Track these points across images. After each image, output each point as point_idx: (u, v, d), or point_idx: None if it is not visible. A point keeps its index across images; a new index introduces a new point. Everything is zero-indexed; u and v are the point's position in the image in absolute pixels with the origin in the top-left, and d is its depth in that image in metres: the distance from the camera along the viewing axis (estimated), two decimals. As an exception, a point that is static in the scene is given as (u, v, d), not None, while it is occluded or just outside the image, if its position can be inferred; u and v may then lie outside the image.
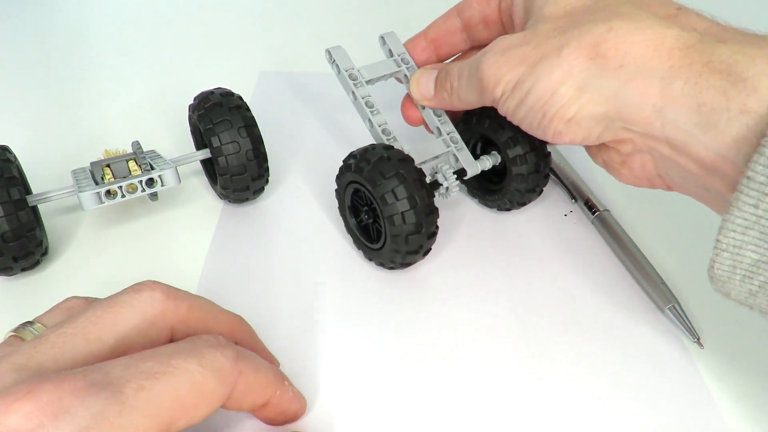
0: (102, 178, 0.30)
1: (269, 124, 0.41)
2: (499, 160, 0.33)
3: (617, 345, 0.28)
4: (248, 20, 0.57)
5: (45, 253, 0.31)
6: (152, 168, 0.31)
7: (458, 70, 0.29)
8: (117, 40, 0.53)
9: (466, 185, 0.36)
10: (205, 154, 0.33)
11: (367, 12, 0.60)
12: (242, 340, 0.24)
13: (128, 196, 0.30)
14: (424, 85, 0.32)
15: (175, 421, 0.18)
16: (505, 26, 0.31)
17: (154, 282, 0.21)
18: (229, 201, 0.34)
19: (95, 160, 0.32)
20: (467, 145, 0.34)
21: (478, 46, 0.33)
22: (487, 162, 0.32)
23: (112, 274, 0.31)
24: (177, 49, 0.52)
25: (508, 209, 0.35)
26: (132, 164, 0.31)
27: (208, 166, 0.36)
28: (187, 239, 0.33)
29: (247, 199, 0.34)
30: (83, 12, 0.57)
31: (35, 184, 0.33)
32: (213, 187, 0.36)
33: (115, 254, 0.32)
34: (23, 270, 0.29)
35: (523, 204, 0.34)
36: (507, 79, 0.26)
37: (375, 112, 0.32)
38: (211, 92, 0.33)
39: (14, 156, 0.30)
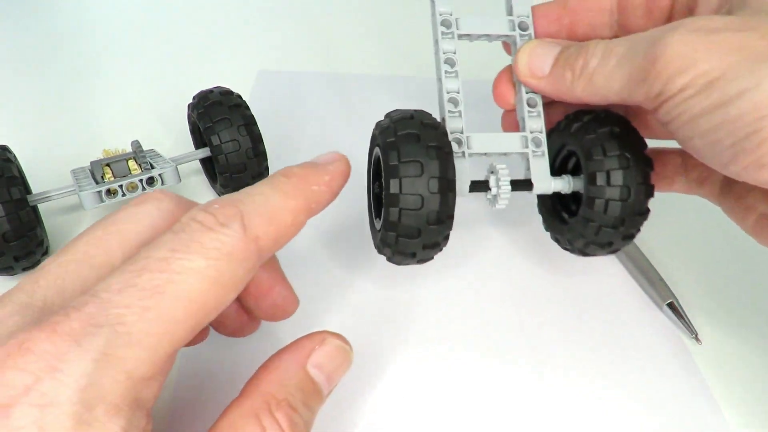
0: (102, 177, 0.30)
1: (268, 123, 0.41)
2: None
3: (616, 341, 0.29)
4: (247, 20, 0.57)
5: (46, 252, 0.31)
6: (152, 167, 0.31)
7: (605, 46, 0.22)
8: (116, 39, 0.53)
9: (540, 198, 0.29)
10: (205, 152, 0.33)
11: (367, 12, 0.60)
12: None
13: (128, 195, 0.30)
14: (538, 57, 0.25)
15: (200, 321, 0.16)
16: (676, 17, 0.25)
17: (162, 191, 0.19)
18: (229, 200, 0.34)
19: (95, 159, 0.32)
20: (553, 154, 0.27)
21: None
22: (567, 183, 0.25)
23: (112, 273, 0.31)
24: (176, 49, 0.52)
25: (570, 250, 0.26)
26: (132, 163, 0.31)
27: (208, 164, 0.36)
28: (187, 238, 0.33)
29: (246, 198, 0.34)
30: (83, 12, 0.57)
31: (35, 184, 0.33)
32: (213, 186, 0.36)
33: (116, 253, 0.32)
34: (24, 270, 0.30)
35: (598, 252, 0.25)
36: (702, 69, 0.18)
37: (450, 75, 0.26)
38: (211, 91, 0.33)
39: (14, 156, 0.30)
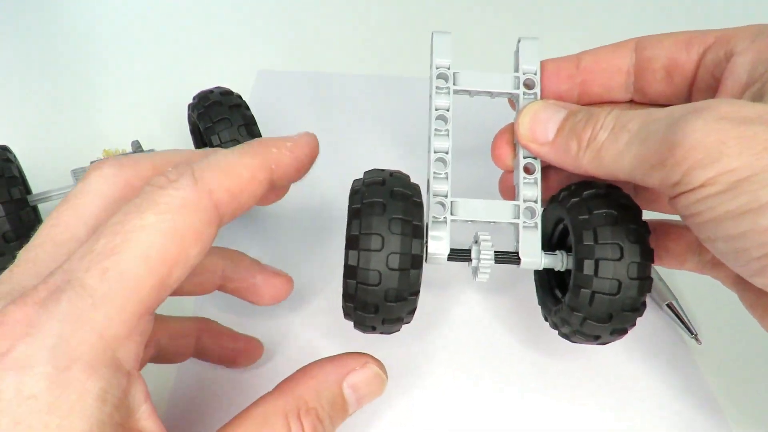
0: (102, 177, 0.30)
1: (268, 123, 0.41)
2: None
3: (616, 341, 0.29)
4: (247, 20, 0.57)
5: (46, 252, 0.31)
6: (152, 167, 0.31)
7: (617, 119, 0.20)
8: (117, 40, 0.53)
9: (537, 272, 0.26)
10: (205, 153, 0.33)
11: (368, 12, 0.60)
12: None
13: (128, 196, 0.30)
14: (542, 121, 0.23)
15: (164, 277, 0.16)
16: (698, 86, 0.23)
17: (101, 160, 0.19)
18: (229, 200, 0.35)
19: (95, 159, 0.32)
20: (550, 226, 0.25)
21: (640, 103, 0.25)
22: (559, 261, 0.23)
23: (112, 273, 0.31)
24: (176, 49, 0.52)
25: (558, 333, 0.24)
26: (132, 163, 0.31)
27: (208, 165, 0.36)
28: (187, 238, 0.33)
29: (246, 198, 0.34)
30: (83, 12, 0.57)
31: (35, 184, 0.33)
32: (213, 186, 0.36)
33: (116, 253, 0.32)
34: (24, 269, 0.30)
35: (585, 342, 0.23)
36: (729, 165, 0.16)
37: (441, 134, 0.24)
38: (210, 91, 0.33)
39: (14, 156, 0.30)
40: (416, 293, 0.21)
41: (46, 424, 0.14)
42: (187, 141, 0.38)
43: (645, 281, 0.21)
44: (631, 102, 0.26)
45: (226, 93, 0.33)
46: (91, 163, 0.31)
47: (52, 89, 0.46)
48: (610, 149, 0.20)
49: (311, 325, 0.29)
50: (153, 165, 0.19)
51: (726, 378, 0.27)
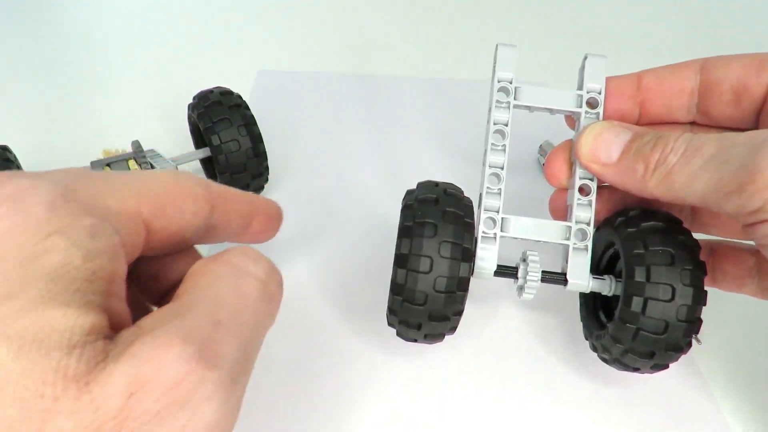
0: (102, 177, 0.30)
1: (268, 123, 0.41)
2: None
3: (616, 341, 0.29)
4: (247, 20, 0.57)
5: (46, 252, 0.31)
6: (152, 167, 0.31)
7: (689, 142, 0.20)
8: (117, 40, 0.53)
9: (583, 295, 0.26)
10: (205, 152, 0.33)
11: (368, 12, 0.60)
12: None
13: (128, 196, 0.30)
14: (605, 141, 0.22)
15: (163, 204, 0.16)
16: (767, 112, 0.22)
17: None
18: (229, 200, 0.35)
19: (95, 159, 0.32)
20: (600, 251, 0.24)
21: (702, 125, 0.25)
22: (608, 285, 0.23)
23: (112, 273, 0.31)
24: (176, 49, 0.52)
25: (607, 361, 0.23)
26: (132, 163, 0.31)
27: (208, 164, 0.36)
28: (187, 238, 0.33)
29: (246, 198, 0.34)
30: (83, 13, 0.57)
31: (35, 184, 0.33)
32: (213, 186, 0.36)
33: (116, 253, 0.32)
34: (24, 269, 0.30)
35: (638, 363, 0.22)
36: None
37: (497, 148, 0.24)
38: (210, 91, 0.33)
39: (14, 156, 0.30)
40: (460, 312, 0.21)
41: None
42: (187, 141, 0.38)
43: (693, 324, 0.20)
44: (693, 124, 0.25)
45: (226, 93, 0.33)
46: (91, 163, 0.31)
47: (52, 89, 0.46)
48: (681, 172, 0.19)
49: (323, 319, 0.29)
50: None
51: (726, 378, 0.27)
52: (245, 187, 0.33)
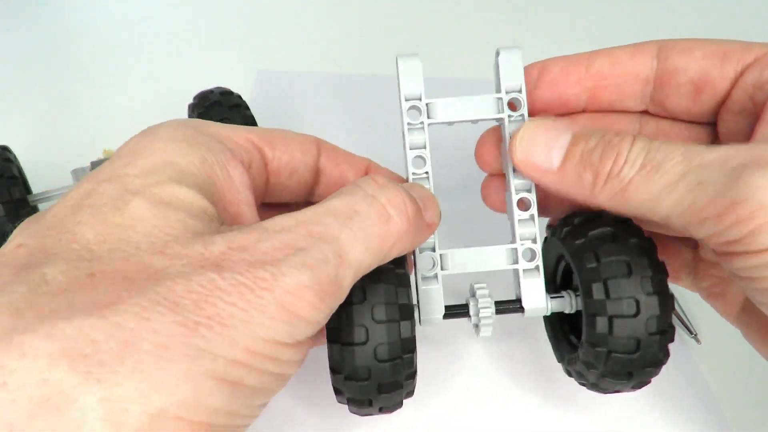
0: (102, 177, 0.30)
1: (267, 123, 0.41)
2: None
3: (616, 341, 0.29)
4: (247, 20, 0.57)
5: (46, 252, 0.31)
6: (152, 167, 0.31)
7: (646, 154, 0.18)
8: (117, 39, 0.53)
9: (548, 320, 0.24)
10: (205, 153, 0.33)
11: (368, 12, 0.60)
12: None
13: (128, 196, 0.30)
14: (542, 146, 0.19)
15: (272, 140, 0.22)
16: (730, 107, 0.20)
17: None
18: (229, 200, 0.35)
19: (95, 159, 0.32)
20: (552, 266, 0.23)
21: (654, 115, 0.23)
22: (568, 302, 0.21)
23: (112, 273, 0.31)
24: (176, 49, 0.52)
25: (586, 385, 0.21)
26: (132, 163, 0.31)
27: (208, 165, 0.36)
28: (187, 238, 0.33)
29: (246, 198, 0.34)
30: (83, 12, 0.57)
31: (35, 184, 0.33)
32: (213, 186, 0.36)
33: (116, 253, 0.32)
34: (24, 269, 0.30)
35: (618, 386, 0.20)
36: None
37: (419, 177, 0.22)
38: (210, 91, 0.33)
39: (14, 156, 0.30)
40: (413, 375, 0.19)
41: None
42: (187, 141, 0.38)
43: (666, 334, 0.19)
44: (644, 113, 0.23)
45: (226, 93, 0.33)
46: (91, 163, 0.31)
47: (53, 89, 0.46)
48: (640, 190, 0.17)
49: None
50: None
51: (726, 378, 0.27)
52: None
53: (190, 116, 0.34)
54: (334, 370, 0.18)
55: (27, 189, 0.32)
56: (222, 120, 0.31)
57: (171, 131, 0.19)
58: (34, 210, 0.30)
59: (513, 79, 0.22)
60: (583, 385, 0.21)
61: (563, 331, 0.23)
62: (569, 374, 0.22)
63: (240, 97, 0.33)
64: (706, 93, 0.21)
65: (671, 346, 0.29)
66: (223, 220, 0.18)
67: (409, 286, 0.19)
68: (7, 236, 0.27)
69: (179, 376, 0.13)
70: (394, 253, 0.18)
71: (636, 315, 0.18)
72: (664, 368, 0.27)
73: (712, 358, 0.28)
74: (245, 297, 0.14)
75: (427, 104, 0.22)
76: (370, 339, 0.18)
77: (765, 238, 0.15)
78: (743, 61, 0.20)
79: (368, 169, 0.24)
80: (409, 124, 0.22)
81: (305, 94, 0.46)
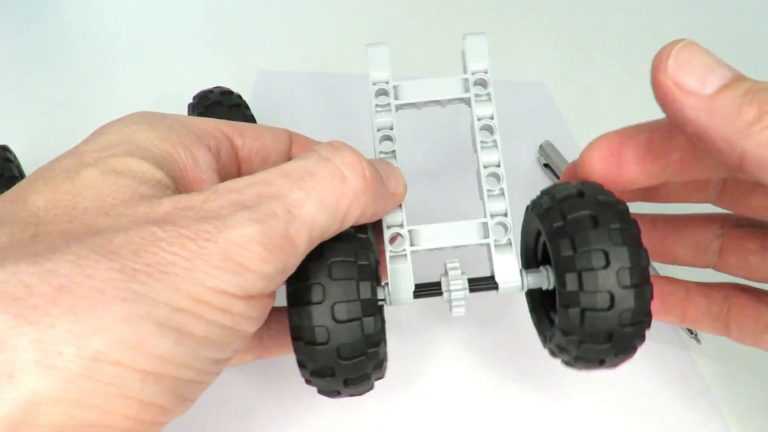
0: (102, 177, 0.30)
1: (268, 123, 0.41)
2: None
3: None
4: (247, 20, 0.57)
5: (46, 252, 0.31)
6: (152, 167, 0.31)
7: None
8: (117, 39, 0.53)
9: (529, 295, 0.23)
10: (205, 153, 0.33)
11: (368, 12, 0.60)
12: None
13: (128, 196, 0.30)
14: (699, 66, 0.16)
15: (241, 129, 0.22)
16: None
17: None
18: (229, 200, 0.35)
19: (95, 159, 0.32)
20: (530, 242, 0.22)
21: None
22: (545, 278, 0.20)
23: (112, 273, 0.31)
24: (176, 49, 0.52)
25: (567, 364, 0.20)
26: (132, 163, 0.31)
27: (208, 165, 0.36)
28: (187, 238, 0.33)
29: (246, 198, 0.34)
30: (83, 12, 0.57)
31: (35, 184, 0.33)
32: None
33: (116, 253, 0.32)
34: (24, 269, 0.30)
35: (591, 368, 0.20)
36: None
37: (387, 155, 0.22)
38: (211, 91, 0.33)
39: (14, 156, 0.30)
40: (377, 344, 0.18)
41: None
42: (187, 141, 0.38)
43: (642, 288, 0.17)
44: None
45: (226, 93, 0.33)
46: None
47: (53, 89, 0.46)
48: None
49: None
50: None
51: (726, 378, 0.27)
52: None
53: (189, 116, 0.34)
54: (295, 337, 0.18)
55: (27, 189, 0.32)
56: (222, 120, 0.31)
57: (136, 116, 0.19)
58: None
59: (479, 60, 0.22)
60: (567, 365, 0.20)
61: (545, 309, 0.22)
62: (552, 354, 0.21)
63: (240, 97, 0.33)
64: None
65: (670, 346, 0.29)
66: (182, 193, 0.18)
67: (369, 249, 0.19)
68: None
69: (116, 319, 0.13)
70: (353, 214, 0.18)
71: (610, 309, 0.17)
72: (664, 368, 0.27)
73: (712, 358, 0.28)
74: (187, 247, 0.14)
75: (394, 86, 0.23)
76: (331, 339, 0.17)
77: None
78: None
79: None
80: (377, 106, 0.22)
81: (305, 94, 0.46)
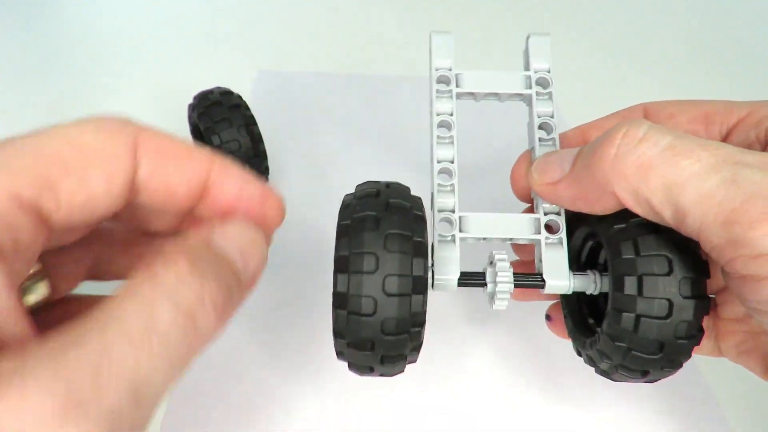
0: (102, 177, 0.30)
1: (268, 123, 0.41)
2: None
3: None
4: (247, 20, 0.57)
5: (46, 252, 0.31)
6: (152, 167, 0.31)
7: (676, 140, 0.16)
8: (117, 40, 0.53)
9: (565, 299, 0.23)
10: (205, 153, 0.33)
11: (368, 13, 0.60)
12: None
13: (128, 196, 0.30)
14: (553, 162, 0.19)
15: (55, 178, 0.14)
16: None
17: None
18: (229, 200, 0.35)
19: (95, 159, 0.32)
20: (578, 243, 0.22)
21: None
22: (592, 282, 0.20)
23: (112, 273, 0.31)
24: (176, 49, 0.52)
25: (595, 369, 0.20)
26: (132, 163, 0.31)
27: (208, 165, 0.36)
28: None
29: (246, 198, 0.34)
30: (83, 13, 0.57)
31: (35, 184, 0.33)
32: (213, 186, 0.36)
33: (116, 253, 0.32)
34: (24, 269, 0.30)
35: (629, 379, 0.19)
36: None
37: (444, 141, 0.22)
38: (211, 91, 0.33)
39: (14, 156, 0.30)
40: (421, 324, 0.18)
41: None
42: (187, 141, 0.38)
43: (702, 301, 0.17)
44: None
45: (226, 93, 0.33)
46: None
47: (53, 89, 0.46)
48: (663, 171, 0.16)
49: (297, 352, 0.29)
50: None
51: (726, 378, 0.27)
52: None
53: (190, 116, 0.34)
54: (337, 305, 0.17)
55: (27, 189, 0.32)
56: (222, 120, 0.31)
57: None
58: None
59: (543, 60, 0.22)
60: (604, 374, 0.20)
61: (582, 315, 0.22)
62: (589, 361, 0.21)
63: (240, 97, 0.33)
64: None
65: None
66: None
67: (425, 228, 0.18)
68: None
69: None
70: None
71: (667, 317, 0.17)
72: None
73: (712, 358, 0.28)
74: None
75: (456, 75, 0.22)
76: (379, 268, 0.17)
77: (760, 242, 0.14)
78: (727, 123, 0.20)
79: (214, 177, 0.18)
80: (437, 92, 0.22)
81: (305, 94, 0.46)
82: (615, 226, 0.18)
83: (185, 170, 0.16)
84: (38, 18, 0.56)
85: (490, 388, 0.27)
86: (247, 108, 0.32)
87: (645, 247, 0.17)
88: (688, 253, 0.17)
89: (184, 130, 0.39)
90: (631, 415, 0.26)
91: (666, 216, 0.16)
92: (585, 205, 0.18)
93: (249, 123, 0.32)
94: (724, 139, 0.20)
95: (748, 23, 0.58)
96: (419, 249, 0.17)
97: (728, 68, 0.52)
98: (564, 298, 0.23)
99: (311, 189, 0.37)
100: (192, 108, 0.33)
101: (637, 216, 0.17)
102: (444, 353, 0.28)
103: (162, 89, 0.46)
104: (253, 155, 0.32)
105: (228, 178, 0.18)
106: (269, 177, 0.35)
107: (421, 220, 0.18)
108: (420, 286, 0.17)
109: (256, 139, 0.32)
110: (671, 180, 0.15)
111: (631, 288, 0.17)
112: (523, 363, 0.28)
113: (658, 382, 0.26)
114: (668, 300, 0.17)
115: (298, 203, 0.36)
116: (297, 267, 0.32)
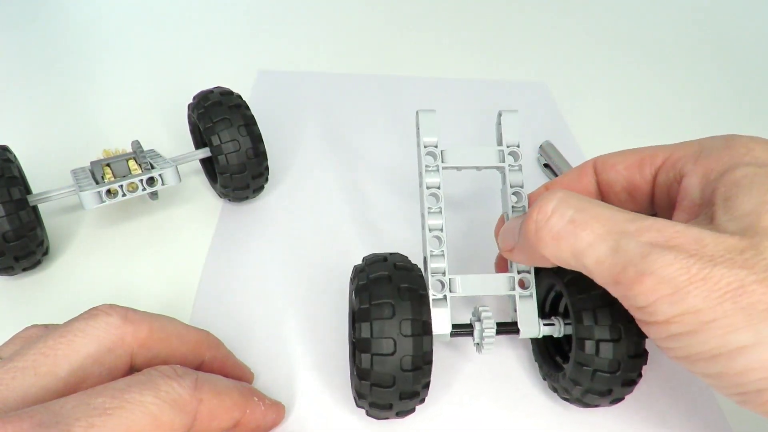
0: (102, 177, 0.30)
1: (268, 123, 0.41)
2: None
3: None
4: (247, 20, 0.57)
5: (46, 252, 0.31)
6: (152, 167, 0.31)
7: (576, 214, 0.20)
8: (117, 39, 0.53)
9: (535, 341, 0.27)
10: (205, 153, 0.33)
11: (367, 13, 0.60)
12: (211, 357, 0.24)
13: (129, 195, 0.30)
14: (509, 233, 0.23)
15: None
16: (658, 203, 0.24)
17: (111, 306, 0.21)
18: (229, 200, 0.35)
19: (95, 159, 0.32)
20: (542, 294, 0.26)
21: None
22: (557, 328, 0.24)
23: (112, 273, 0.31)
24: (176, 49, 0.52)
25: (569, 400, 0.25)
26: (132, 163, 0.31)
27: (208, 165, 0.36)
28: (187, 238, 0.33)
29: (246, 198, 0.34)
30: (83, 12, 0.57)
31: (35, 184, 0.33)
32: (213, 186, 0.36)
33: (116, 253, 0.32)
34: (24, 270, 0.30)
35: (592, 406, 0.24)
36: (692, 305, 0.17)
37: (434, 211, 0.25)
38: (211, 91, 0.33)
39: (14, 156, 0.30)
40: (429, 362, 0.21)
41: None
42: (187, 141, 0.38)
43: (641, 358, 0.22)
44: None
45: (226, 93, 0.33)
46: (91, 163, 0.31)
47: (53, 89, 0.46)
48: (569, 242, 0.19)
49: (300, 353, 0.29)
50: (150, 328, 0.21)
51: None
52: (245, 187, 0.33)
53: (189, 116, 0.34)
54: (360, 377, 0.21)
55: (27, 189, 0.32)
56: (222, 120, 0.31)
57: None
58: (33, 210, 0.30)
59: (513, 135, 0.26)
60: (566, 399, 0.24)
61: (549, 354, 0.26)
62: (554, 390, 0.25)
63: (240, 97, 0.33)
64: (638, 195, 0.24)
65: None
66: None
67: (429, 306, 0.22)
68: (7, 237, 0.27)
69: None
70: None
71: (618, 340, 0.22)
72: (663, 369, 0.27)
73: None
74: None
75: (441, 151, 0.26)
76: (397, 351, 0.20)
77: (665, 308, 0.17)
78: (654, 166, 0.23)
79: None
80: (426, 166, 0.25)
81: (305, 94, 0.46)
82: (578, 295, 0.23)
83: (227, 424, 0.21)
84: (38, 18, 0.56)
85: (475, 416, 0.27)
86: (247, 108, 0.32)
87: (602, 318, 0.22)
88: (633, 321, 0.20)
89: (184, 130, 0.39)
90: (631, 416, 0.26)
91: (583, 272, 0.20)
92: (537, 263, 0.22)
93: (249, 123, 0.32)
94: (654, 179, 0.23)
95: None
96: (424, 300, 0.21)
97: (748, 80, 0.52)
98: (534, 342, 0.27)
99: (311, 189, 0.37)
100: (192, 108, 0.33)
101: (595, 288, 0.22)
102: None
103: (162, 89, 0.46)
104: (253, 155, 0.32)
105: (253, 415, 0.22)
106: (269, 177, 0.34)
107: (422, 278, 0.22)
108: (427, 328, 0.21)
109: (256, 139, 0.32)
110: (576, 248, 0.19)
111: (591, 350, 0.22)
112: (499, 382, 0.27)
113: (658, 382, 0.26)
114: (618, 360, 0.22)
115: (299, 203, 0.36)
116: (297, 267, 0.32)
